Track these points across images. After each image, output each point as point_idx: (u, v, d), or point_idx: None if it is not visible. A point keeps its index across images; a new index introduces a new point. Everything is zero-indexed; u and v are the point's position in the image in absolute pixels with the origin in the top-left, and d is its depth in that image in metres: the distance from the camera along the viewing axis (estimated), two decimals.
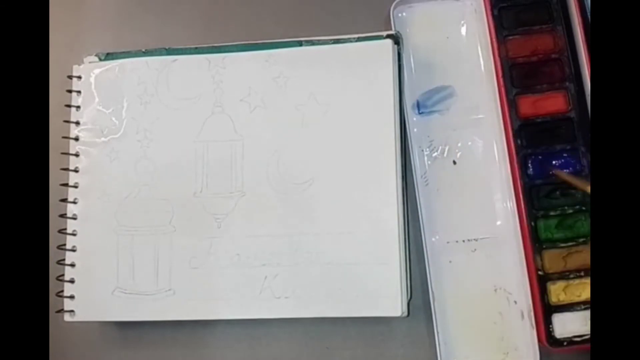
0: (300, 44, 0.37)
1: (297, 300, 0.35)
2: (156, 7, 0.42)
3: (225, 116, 0.37)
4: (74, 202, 0.37)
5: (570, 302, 0.34)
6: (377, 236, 0.35)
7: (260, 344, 0.36)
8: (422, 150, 0.37)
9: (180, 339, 0.38)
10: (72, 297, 0.37)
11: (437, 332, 0.35)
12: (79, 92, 0.39)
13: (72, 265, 0.37)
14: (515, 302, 0.35)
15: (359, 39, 0.36)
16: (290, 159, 0.36)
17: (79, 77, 0.39)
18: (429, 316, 0.36)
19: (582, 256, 0.35)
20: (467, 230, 0.36)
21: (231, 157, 0.36)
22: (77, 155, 0.38)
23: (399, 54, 0.37)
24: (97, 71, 0.38)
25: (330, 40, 0.36)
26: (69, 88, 0.39)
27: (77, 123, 0.38)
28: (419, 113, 0.37)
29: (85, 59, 0.39)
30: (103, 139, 0.38)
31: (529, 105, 0.36)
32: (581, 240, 0.35)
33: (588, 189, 0.33)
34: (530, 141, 0.36)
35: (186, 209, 0.34)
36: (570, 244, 0.35)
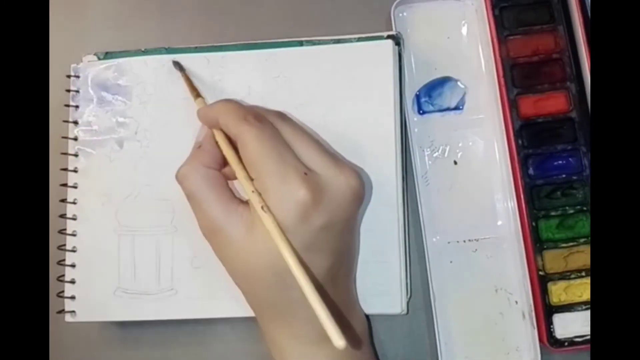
0: (300, 44, 0.37)
1: None
2: (156, 7, 0.41)
3: None
4: (74, 203, 0.37)
5: (571, 302, 0.35)
6: (378, 236, 0.35)
7: (262, 342, 0.36)
8: (423, 151, 0.37)
9: (181, 338, 0.38)
10: (73, 297, 0.37)
11: (438, 332, 0.35)
12: (77, 91, 0.38)
13: (73, 265, 0.37)
14: (516, 302, 0.35)
15: (359, 39, 0.36)
16: None
17: (78, 77, 0.38)
18: (429, 316, 0.36)
19: (583, 256, 0.35)
20: (468, 230, 0.36)
21: None
22: (76, 155, 0.38)
23: (400, 54, 0.37)
24: (95, 70, 0.38)
25: (331, 40, 0.36)
26: (67, 87, 0.38)
27: (76, 123, 0.38)
28: (419, 112, 0.37)
29: (84, 58, 0.39)
30: (102, 137, 0.38)
31: (529, 105, 0.36)
32: (582, 240, 0.35)
33: None
34: (531, 141, 0.36)
35: (187, 209, 0.34)
36: (571, 244, 0.35)
